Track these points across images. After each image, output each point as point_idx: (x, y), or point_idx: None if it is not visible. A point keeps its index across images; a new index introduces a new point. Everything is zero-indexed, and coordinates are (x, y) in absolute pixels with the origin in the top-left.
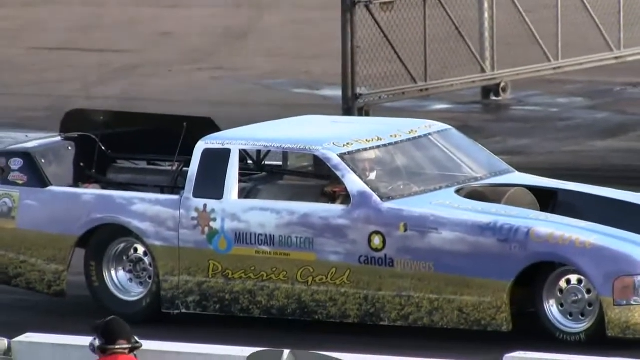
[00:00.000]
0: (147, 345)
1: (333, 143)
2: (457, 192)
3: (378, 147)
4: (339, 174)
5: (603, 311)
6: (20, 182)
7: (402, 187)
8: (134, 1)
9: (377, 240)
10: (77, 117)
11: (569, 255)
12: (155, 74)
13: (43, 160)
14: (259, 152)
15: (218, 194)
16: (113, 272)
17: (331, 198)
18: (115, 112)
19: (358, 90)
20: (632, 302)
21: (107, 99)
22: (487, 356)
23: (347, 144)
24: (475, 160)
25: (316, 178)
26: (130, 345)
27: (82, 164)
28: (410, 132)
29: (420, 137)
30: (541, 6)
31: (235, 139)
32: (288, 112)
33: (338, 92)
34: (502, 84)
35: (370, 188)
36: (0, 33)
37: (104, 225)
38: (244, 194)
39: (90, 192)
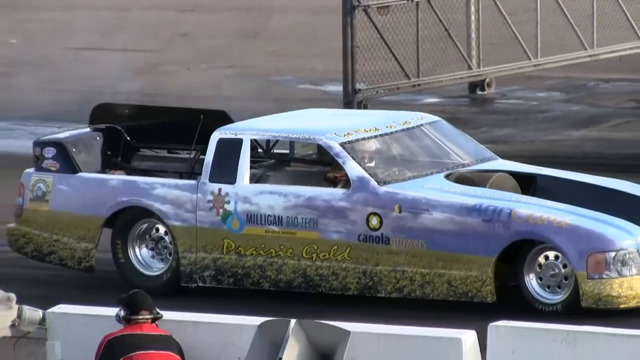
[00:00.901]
0: (167, 315)
1: (335, 133)
2: (447, 177)
3: (375, 136)
4: (340, 161)
5: (578, 284)
6: (53, 169)
7: (397, 172)
8: (156, 5)
9: (374, 221)
10: (104, 110)
11: (547, 234)
12: (174, 71)
13: (74, 149)
14: (268, 141)
15: (231, 179)
16: (137, 250)
17: (333, 183)
18: (139, 105)
19: (357, 86)
20: (604, 276)
21: (131, 94)
22: (473, 325)
23: (348, 134)
24: (463, 149)
25: (319, 165)
26: (152, 316)
27: (108, 153)
28: (404, 124)
29: (413, 127)
30: (522, 9)
31: (247, 130)
32: (294, 106)
33: (339, 88)
34: (487, 80)
35: (368, 173)
36: (38, 35)
37: (128, 207)
38: (254, 179)
39: (116, 177)
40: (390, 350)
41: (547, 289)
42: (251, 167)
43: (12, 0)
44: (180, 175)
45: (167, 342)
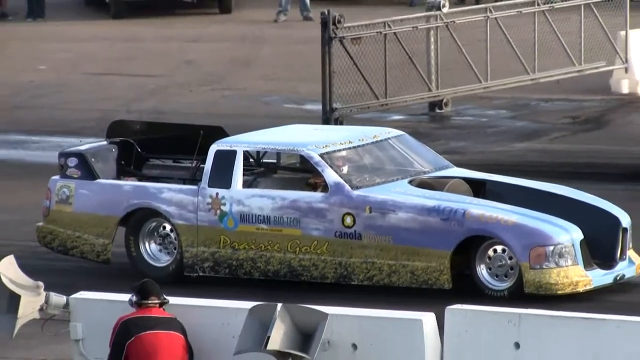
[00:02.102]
0: (173, 300)
1: (315, 145)
2: (410, 182)
3: (349, 148)
4: (319, 169)
5: (521, 274)
6: (76, 176)
7: (367, 178)
8: (164, 37)
9: (348, 220)
10: (119, 126)
11: (496, 231)
12: (179, 93)
13: (93, 159)
14: (258, 152)
15: (227, 185)
16: (147, 245)
17: (313, 187)
18: (148, 122)
19: (334, 105)
20: (544, 267)
21: (142, 112)
22: (432, 308)
23: (326, 146)
24: (424, 158)
25: (302, 172)
26: (159, 301)
27: (123, 162)
28: (374, 137)
29: (381, 140)
30: (474, 39)
31: (240, 143)
32: (280, 122)
33: (318, 107)
34: (444, 100)
35: (343, 180)
36: (62, 62)
37: (139, 208)
38: (246, 184)
39: (129, 183)
40: (362, 329)
41: (495, 277)
42: (244, 175)
43: (40, 33)
44: (184, 181)
45: (172, 324)
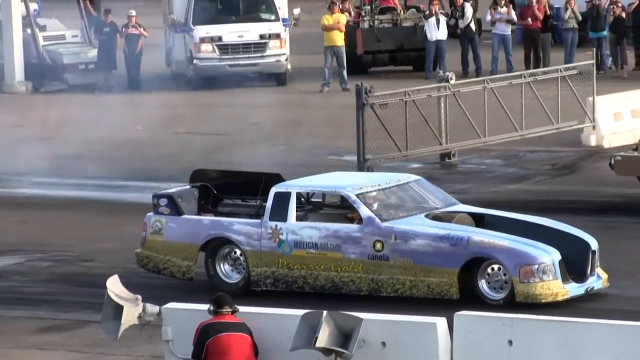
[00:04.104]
0: (242, 309)
1: (352, 188)
2: (426, 216)
3: (378, 190)
4: (355, 206)
5: (513, 287)
6: (166, 213)
7: (393, 213)
8: (233, 104)
9: (378, 245)
10: (199, 174)
11: (493, 253)
12: (246, 148)
13: (179, 200)
14: (308, 193)
15: (284, 219)
16: (221, 266)
17: (351, 220)
18: (222, 170)
19: (366, 156)
20: (531, 281)
21: (217, 163)
22: (444, 314)
23: (360, 188)
24: (436, 197)
25: (342, 209)
26: (231, 309)
27: (202, 202)
28: (397, 181)
29: (403, 184)
30: (475, 105)
31: (294, 186)
32: (324, 170)
33: (354, 157)
34: (452, 152)
35: (374, 214)
36: (155, 123)
37: (216, 237)
38: (299, 218)
39: (207, 218)
40: (389, 330)
41: (493, 290)
42: (297, 211)
43: (137, 101)
44: (250, 216)
45: (241, 327)
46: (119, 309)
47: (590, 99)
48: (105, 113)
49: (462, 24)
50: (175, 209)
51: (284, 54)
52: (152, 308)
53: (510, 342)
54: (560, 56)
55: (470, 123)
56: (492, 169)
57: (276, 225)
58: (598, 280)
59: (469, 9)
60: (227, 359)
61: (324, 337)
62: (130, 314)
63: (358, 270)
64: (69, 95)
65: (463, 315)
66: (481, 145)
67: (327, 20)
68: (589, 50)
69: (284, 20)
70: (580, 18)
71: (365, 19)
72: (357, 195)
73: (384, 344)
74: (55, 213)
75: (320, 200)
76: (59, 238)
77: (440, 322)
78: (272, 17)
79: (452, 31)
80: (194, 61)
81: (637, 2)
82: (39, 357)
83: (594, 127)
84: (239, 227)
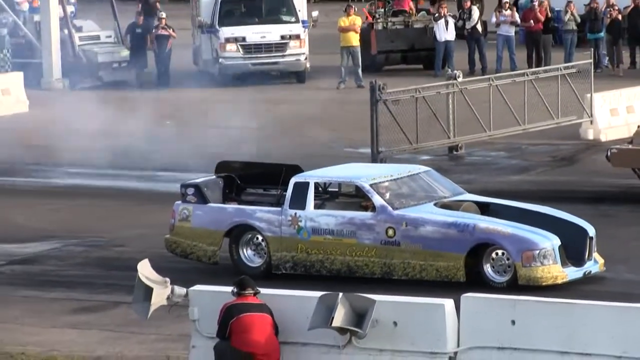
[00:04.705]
0: (264, 291)
1: (366, 178)
2: (435, 204)
3: (391, 180)
4: (369, 195)
5: (516, 270)
6: (193, 201)
7: (404, 202)
8: (256, 100)
9: (390, 232)
10: (224, 165)
11: (497, 239)
12: (268, 140)
13: (206, 189)
14: (325, 183)
15: (302, 207)
16: (245, 251)
17: (365, 208)
18: (245, 162)
19: (380, 149)
20: (532, 265)
21: (241, 154)
22: (452, 295)
23: (374, 178)
24: (444, 187)
25: (356, 197)
26: (254, 291)
27: (227, 191)
28: (408, 172)
29: (414, 174)
30: (481, 101)
31: (312, 176)
32: (341, 161)
33: (368, 150)
34: (459, 145)
35: (387, 203)
36: (184, 118)
37: (239, 224)
38: (317, 207)
39: (231, 206)
40: (400, 311)
41: (497, 273)
42: (315, 199)
43: (167, 97)
44: (271, 205)
45: (263, 308)
46: (149, 290)
47: (588, 95)
48: (137, 108)
49: (469, 25)
50: (201, 197)
51: (303, 54)
52: (180, 290)
53: (513, 322)
54: (560, 56)
55: (477, 118)
56: (497, 161)
57: (295, 213)
58: (595, 264)
59: (475, 12)
60: (249, 337)
61: (339, 317)
62: (160, 296)
63: (371, 255)
64: (102, 91)
65: (469, 297)
66: (486, 139)
67: (344, 22)
68: (587, 51)
69: (303, 22)
70: (579, 20)
71: (379, 21)
72: (371, 185)
73: (395, 323)
74: (88, 201)
75: (337, 189)
76: (92, 225)
77: (448, 303)
78: (293, 19)
79: (460, 32)
80: (220, 60)
81: (633, 5)
82: (74, 336)
83: (591, 122)
84: (261, 215)
